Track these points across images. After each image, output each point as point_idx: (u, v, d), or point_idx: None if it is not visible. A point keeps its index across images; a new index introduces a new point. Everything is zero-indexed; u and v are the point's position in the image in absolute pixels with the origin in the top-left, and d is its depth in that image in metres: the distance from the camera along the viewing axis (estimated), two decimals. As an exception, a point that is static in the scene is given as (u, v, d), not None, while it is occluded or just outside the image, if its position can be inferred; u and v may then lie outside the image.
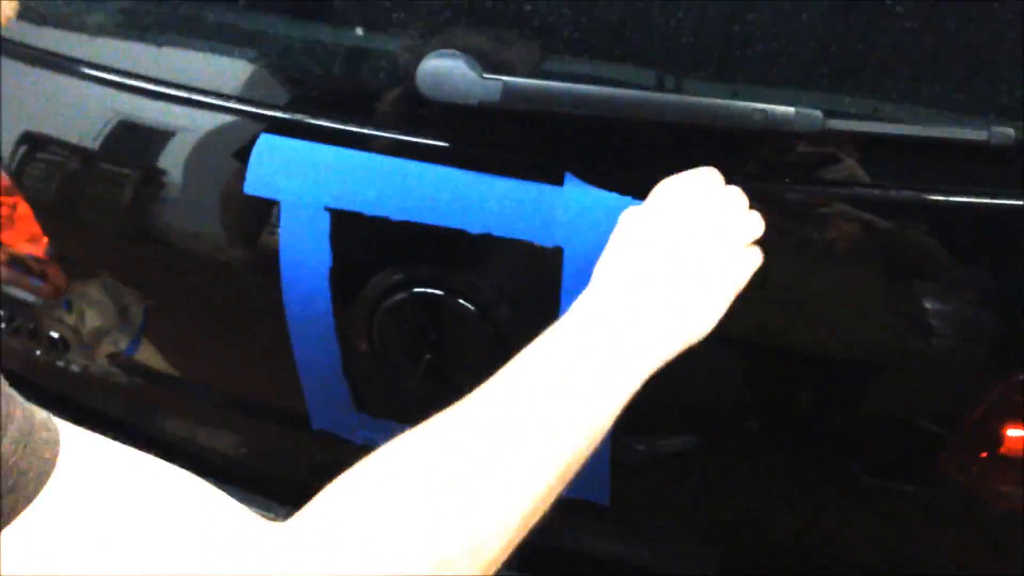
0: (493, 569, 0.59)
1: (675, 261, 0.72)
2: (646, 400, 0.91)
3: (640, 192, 0.78)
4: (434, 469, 0.59)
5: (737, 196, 0.77)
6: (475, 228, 0.87)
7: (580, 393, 0.64)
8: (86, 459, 0.52)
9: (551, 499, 0.63)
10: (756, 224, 0.77)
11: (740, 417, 0.94)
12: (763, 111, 0.76)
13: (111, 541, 0.51)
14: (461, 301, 0.90)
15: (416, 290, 0.91)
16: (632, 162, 0.84)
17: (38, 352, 1.26)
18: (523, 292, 0.90)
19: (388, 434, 1.01)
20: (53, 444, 0.51)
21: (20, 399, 0.51)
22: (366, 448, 1.02)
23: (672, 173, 0.79)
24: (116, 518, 0.51)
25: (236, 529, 0.55)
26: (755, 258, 0.77)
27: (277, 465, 1.23)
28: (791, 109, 0.76)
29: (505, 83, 0.79)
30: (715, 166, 0.79)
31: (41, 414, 0.52)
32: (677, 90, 0.82)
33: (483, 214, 0.87)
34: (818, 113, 0.75)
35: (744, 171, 0.81)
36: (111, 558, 0.50)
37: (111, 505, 0.52)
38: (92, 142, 1.08)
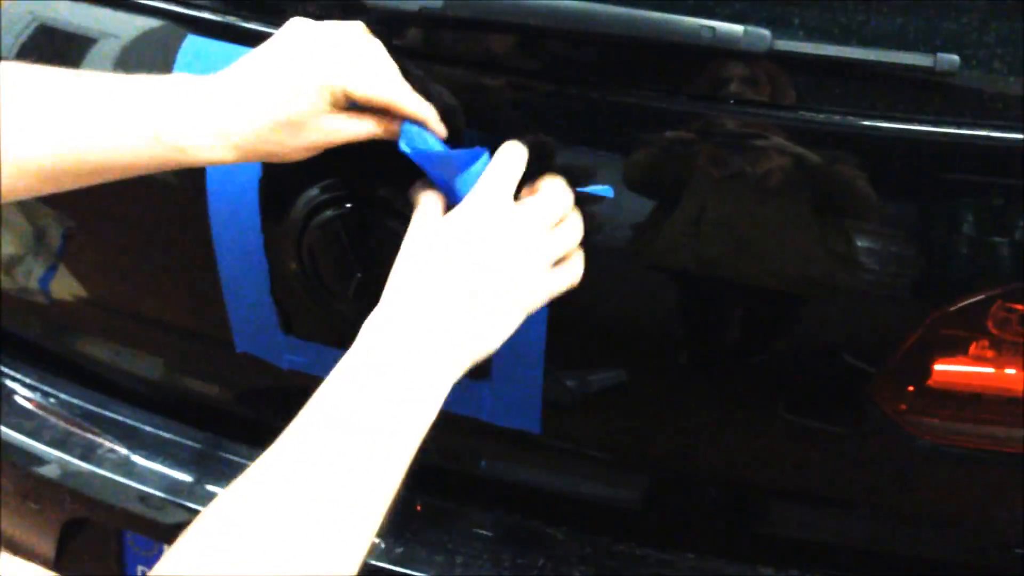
0: None
1: (465, 277, 0.71)
2: (577, 333, 0.91)
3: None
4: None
5: (542, 212, 0.75)
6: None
7: (375, 430, 0.64)
8: None
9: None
10: (566, 239, 0.76)
11: (670, 349, 0.93)
12: (711, 28, 0.75)
13: None
14: (395, 218, 0.87)
15: (347, 205, 0.88)
16: (573, 76, 0.82)
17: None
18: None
19: (316, 357, 1.01)
20: None
21: None
22: (292, 373, 1.02)
23: (616, 88, 0.78)
24: None
25: None
26: (566, 276, 0.77)
27: (198, 390, 1.20)
28: (739, 27, 0.74)
29: (447, -12, 0.77)
30: (660, 82, 0.78)
31: None
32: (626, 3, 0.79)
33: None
34: (766, 32, 0.74)
35: (686, 90, 0.79)
36: None
37: None
38: (8, 47, 1.03)
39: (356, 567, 0.61)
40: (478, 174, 0.76)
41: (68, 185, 0.75)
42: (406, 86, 0.78)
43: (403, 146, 0.78)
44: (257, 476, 0.61)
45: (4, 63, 0.73)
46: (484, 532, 1.08)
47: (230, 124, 0.73)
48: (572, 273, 0.77)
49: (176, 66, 0.90)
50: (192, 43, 0.90)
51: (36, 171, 0.72)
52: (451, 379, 0.69)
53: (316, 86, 0.74)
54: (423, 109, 0.78)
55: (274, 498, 0.60)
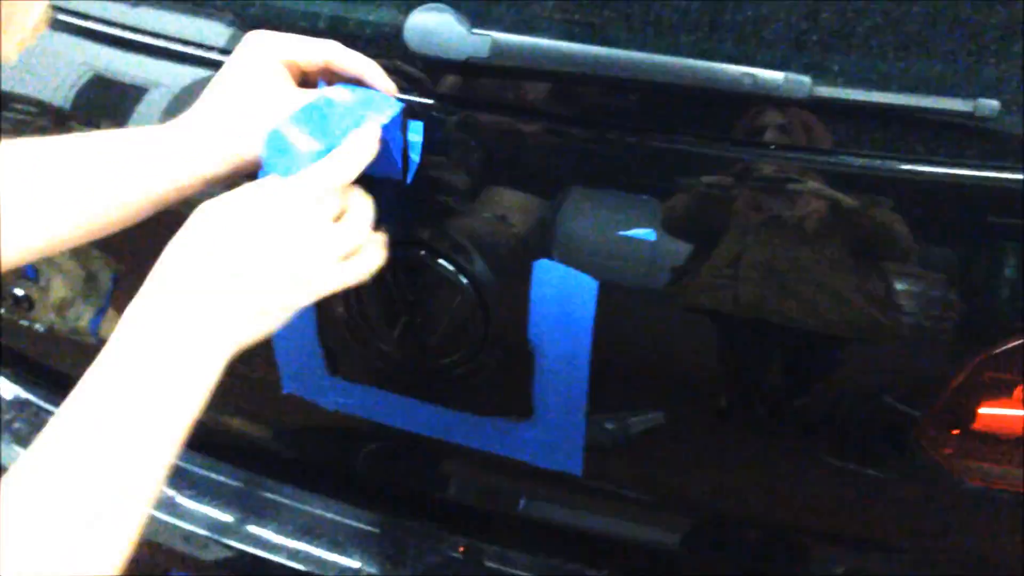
0: None
1: (227, 258, 0.68)
2: (619, 376, 0.92)
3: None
4: None
5: (323, 205, 0.73)
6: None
7: (132, 417, 0.63)
8: None
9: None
10: (352, 231, 0.75)
11: (710, 392, 0.94)
12: (752, 75, 0.76)
13: None
14: (441, 262, 0.89)
15: (395, 248, 0.89)
16: (620, 123, 0.83)
17: (1, 310, 1.23)
18: (504, 256, 0.89)
19: (361, 399, 1.02)
20: None
21: None
22: (336, 415, 1.03)
23: (656, 134, 0.78)
24: None
25: None
26: (358, 268, 0.75)
27: (242, 430, 1.22)
28: (780, 74, 0.76)
29: (494, 39, 0.78)
30: (700, 127, 0.78)
31: None
32: (666, 51, 0.81)
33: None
34: (807, 79, 0.75)
35: (727, 135, 0.81)
36: None
37: None
38: (66, 96, 1.06)
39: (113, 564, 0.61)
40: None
41: (88, 239, 0.79)
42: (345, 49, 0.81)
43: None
44: (16, 469, 0.60)
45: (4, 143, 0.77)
46: (525, 574, 1.08)
47: (202, 168, 0.78)
48: (365, 264, 0.76)
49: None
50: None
51: (52, 240, 0.77)
52: (213, 362, 0.68)
53: (272, 92, 0.79)
54: (362, 63, 0.81)
55: (28, 490, 0.59)
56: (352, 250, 0.75)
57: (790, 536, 1.04)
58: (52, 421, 0.62)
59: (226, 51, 0.94)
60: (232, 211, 0.70)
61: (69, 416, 0.63)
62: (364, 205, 0.77)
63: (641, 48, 0.79)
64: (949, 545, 0.97)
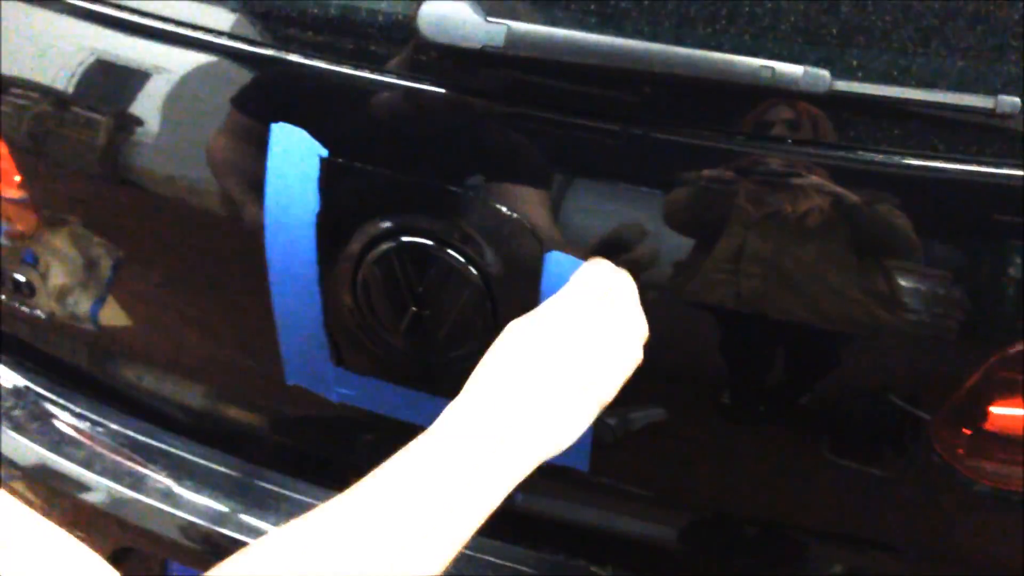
0: None
1: (555, 374, 0.72)
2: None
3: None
4: None
5: (629, 296, 0.79)
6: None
7: (438, 511, 0.65)
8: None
9: None
10: (644, 323, 0.79)
11: (714, 389, 0.93)
12: (770, 68, 0.75)
13: None
14: (450, 252, 0.88)
15: (404, 239, 0.89)
16: (634, 115, 0.82)
17: (1, 296, 1.22)
18: (515, 248, 0.88)
19: (367, 391, 1.01)
20: None
21: None
22: (340, 406, 1.02)
23: (672, 128, 0.77)
24: None
25: None
26: (638, 357, 0.78)
27: (244, 421, 1.21)
28: (799, 68, 0.75)
29: (509, 28, 0.77)
30: (715, 121, 0.78)
31: None
32: (683, 43, 0.80)
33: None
34: (826, 73, 0.75)
35: (744, 129, 0.80)
36: None
37: None
38: (68, 79, 1.05)
39: None
40: None
41: None
42: None
43: None
44: (317, 518, 0.63)
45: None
46: (528, 570, 1.07)
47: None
48: (639, 351, 0.79)
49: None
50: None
51: None
52: (516, 477, 0.70)
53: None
54: None
55: (324, 544, 0.61)
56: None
57: (792, 534, 1.03)
58: (356, 487, 0.66)
59: (232, 35, 0.94)
60: (547, 325, 0.75)
61: (391, 473, 0.67)
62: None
63: (657, 40, 0.79)
64: (955, 545, 0.96)
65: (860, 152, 0.78)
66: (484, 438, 0.69)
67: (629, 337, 0.78)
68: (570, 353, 0.74)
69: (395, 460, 0.68)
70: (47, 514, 1.19)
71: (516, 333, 0.75)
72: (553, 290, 0.81)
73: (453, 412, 0.71)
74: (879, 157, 0.78)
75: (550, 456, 0.72)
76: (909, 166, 0.78)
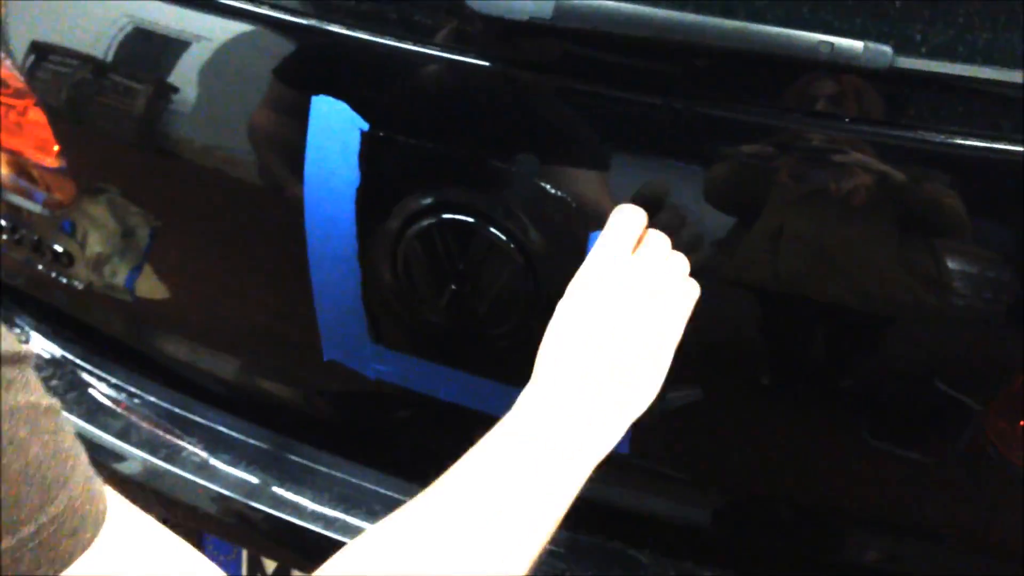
0: None
1: (615, 342, 0.73)
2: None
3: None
4: None
5: (659, 241, 0.78)
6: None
7: (529, 498, 0.66)
8: (124, 520, 0.54)
9: None
10: (683, 258, 0.78)
11: (753, 369, 0.91)
12: (830, 44, 0.72)
13: None
14: (492, 229, 0.86)
15: (446, 215, 0.87)
16: (686, 91, 0.80)
17: (40, 266, 1.22)
18: (558, 225, 0.87)
19: (404, 368, 1.00)
20: (102, 496, 0.53)
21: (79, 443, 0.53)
22: (377, 383, 1.02)
23: (726, 102, 0.76)
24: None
25: None
26: (694, 291, 0.78)
27: (280, 395, 1.20)
28: (859, 43, 0.72)
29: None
30: (770, 96, 0.75)
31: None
32: (733, 15, 0.77)
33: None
34: (888, 49, 0.72)
35: (801, 106, 0.77)
36: None
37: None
38: (108, 48, 1.04)
39: None
40: None
41: None
42: None
43: None
44: (402, 518, 0.64)
45: None
46: (563, 551, 1.06)
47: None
48: (695, 287, 0.78)
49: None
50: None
51: None
52: (605, 448, 0.71)
53: None
54: None
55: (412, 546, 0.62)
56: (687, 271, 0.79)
57: (827, 518, 1.02)
58: (442, 479, 0.67)
59: (274, 5, 0.92)
60: (607, 295, 0.75)
61: (456, 480, 0.67)
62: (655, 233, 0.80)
63: (711, 12, 0.76)
64: (999, 537, 0.94)
65: (921, 132, 0.76)
66: (565, 444, 0.69)
67: (684, 304, 0.78)
68: (633, 327, 0.73)
69: (479, 463, 0.68)
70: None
71: (568, 312, 0.75)
72: None
73: (531, 411, 0.71)
74: (940, 136, 0.75)
75: (635, 417, 0.74)
76: (973, 146, 0.75)
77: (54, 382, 1.24)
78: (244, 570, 1.17)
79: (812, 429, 0.93)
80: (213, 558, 1.17)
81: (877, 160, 0.77)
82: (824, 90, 0.77)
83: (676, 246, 0.80)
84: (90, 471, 0.52)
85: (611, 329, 0.73)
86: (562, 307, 0.75)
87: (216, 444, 1.18)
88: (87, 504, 0.51)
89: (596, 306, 0.74)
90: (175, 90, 1.01)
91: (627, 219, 0.78)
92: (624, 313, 0.74)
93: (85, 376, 1.26)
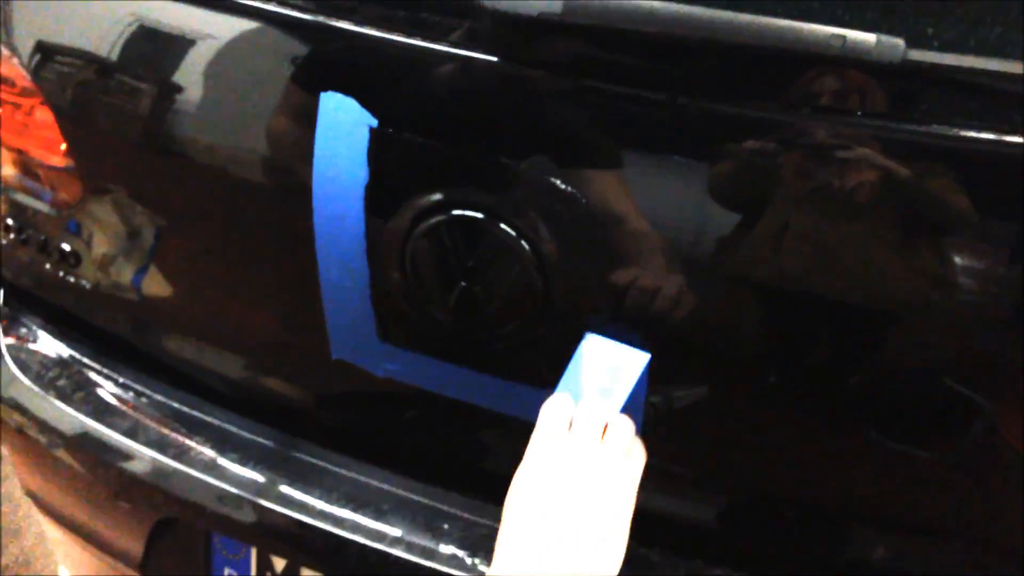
0: None
1: (569, 522, 0.75)
2: (664, 350, 0.90)
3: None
4: None
5: (590, 423, 0.80)
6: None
7: None
8: None
9: None
10: (626, 426, 0.81)
11: (759, 368, 0.91)
12: (841, 37, 0.72)
13: None
14: (502, 226, 0.86)
15: (455, 212, 0.87)
16: (697, 86, 0.80)
17: (47, 266, 1.22)
18: (569, 223, 0.86)
19: (413, 366, 1.00)
20: None
21: None
22: (385, 381, 1.01)
23: (735, 98, 0.75)
24: None
25: None
26: (639, 457, 0.81)
27: (288, 394, 1.20)
28: (872, 36, 0.71)
29: (568, -6, 0.75)
30: (779, 91, 0.75)
31: None
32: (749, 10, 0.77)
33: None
34: (900, 42, 0.71)
35: (810, 101, 0.77)
36: None
37: None
38: (114, 47, 1.04)
39: None
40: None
41: None
42: None
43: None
44: None
45: None
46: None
47: None
48: (641, 452, 0.82)
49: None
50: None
51: None
52: None
53: None
54: None
55: None
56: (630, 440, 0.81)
57: (835, 516, 1.01)
58: None
59: (281, 2, 0.92)
60: (546, 485, 0.77)
61: None
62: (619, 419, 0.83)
63: (722, 7, 0.76)
64: (1011, 535, 0.93)
65: (934, 126, 0.75)
66: None
67: (629, 477, 0.80)
68: (581, 522, 0.75)
69: None
70: (92, 484, 1.21)
71: (518, 500, 0.77)
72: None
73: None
74: (952, 130, 0.75)
75: None
76: (986, 140, 0.75)
77: (61, 381, 1.24)
78: (253, 569, 1.17)
79: (821, 427, 0.93)
80: (222, 557, 1.18)
81: (885, 156, 0.77)
82: (833, 85, 0.77)
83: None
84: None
85: (559, 530, 0.75)
86: (509, 507, 0.77)
87: (224, 443, 1.18)
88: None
89: (543, 508, 0.76)
90: (182, 89, 1.01)
91: (555, 411, 0.81)
92: (571, 510, 0.75)
93: (93, 376, 1.26)
